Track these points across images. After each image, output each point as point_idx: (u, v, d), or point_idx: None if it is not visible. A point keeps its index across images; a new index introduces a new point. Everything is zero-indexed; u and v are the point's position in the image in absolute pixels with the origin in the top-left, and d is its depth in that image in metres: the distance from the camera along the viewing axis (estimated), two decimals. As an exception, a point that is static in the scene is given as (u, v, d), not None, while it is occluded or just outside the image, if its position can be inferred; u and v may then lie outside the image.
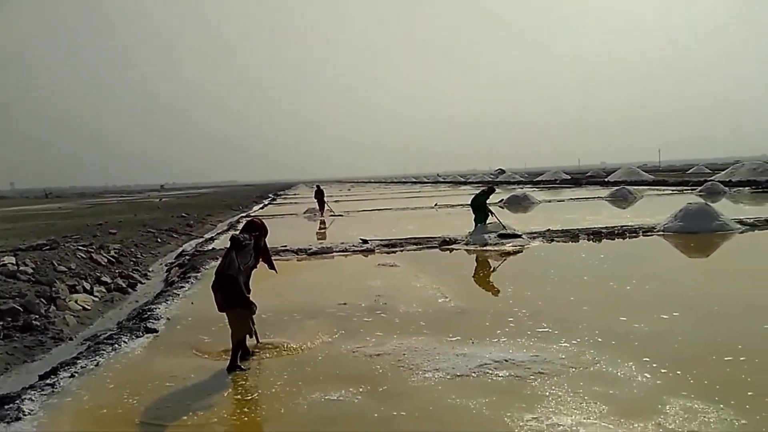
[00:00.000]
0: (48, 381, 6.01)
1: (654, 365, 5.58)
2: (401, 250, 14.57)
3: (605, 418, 4.52)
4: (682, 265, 12.17)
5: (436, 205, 31.58)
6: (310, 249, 14.95)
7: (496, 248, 14.12)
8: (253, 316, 6.35)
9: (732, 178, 40.77)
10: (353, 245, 15.28)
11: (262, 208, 43.01)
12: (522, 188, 44.57)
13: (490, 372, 5.65)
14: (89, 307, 9.97)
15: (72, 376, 6.18)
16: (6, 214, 42.09)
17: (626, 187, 33.01)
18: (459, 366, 5.85)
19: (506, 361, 5.90)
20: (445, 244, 15.04)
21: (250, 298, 6.19)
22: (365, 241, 15.54)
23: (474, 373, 5.66)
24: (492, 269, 12.35)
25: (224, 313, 6.22)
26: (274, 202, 51.34)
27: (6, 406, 5.35)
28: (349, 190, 74.25)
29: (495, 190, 17.86)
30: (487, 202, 15.98)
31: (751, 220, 16.14)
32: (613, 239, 14.89)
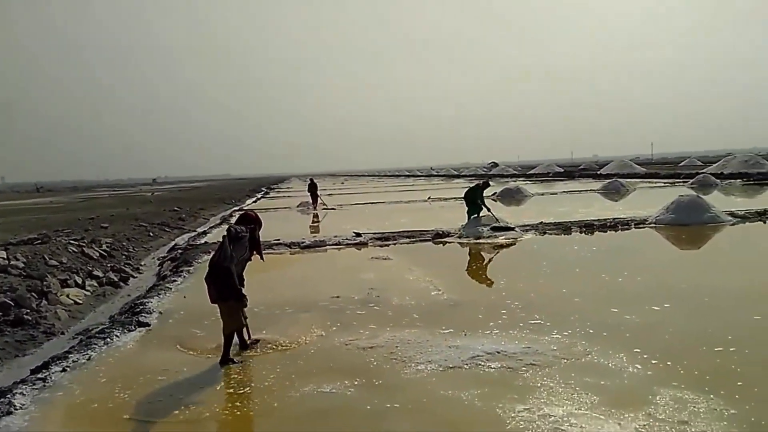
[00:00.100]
0: (39, 375, 5.99)
1: (645, 356, 5.62)
2: (394, 244, 14.57)
3: (596, 409, 4.55)
4: (673, 257, 12.23)
5: (429, 198, 31.59)
6: (303, 242, 14.94)
7: (489, 241, 14.15)
8: (245, 310, 6.34)
9: (724, 170, 40.97)
10: (346, 239, 15.27)
11: (255, 201, 42.91)
12: (515, 181, 44.64)
13: (483, 364, 5.67)
14: (81, 302, 9.93)
15: (64, 370, 6.16)
16: (-3, 208, 41.81)
17: (619, 179, 33.13)
18: (451, 358, 5.86)
19: (498, 352, 5.93)
20: (438, 237, 15.06)
21: (243, 291, 6.21)
22: (358, 235, 15.53)
23: (466, 365, 5.68)
24: (485, 262, 12.38)
25: (216, 305, 6.22)
26: (267, 196, 51.23)
27: (-3, 401, 5.33)
28: (343, 183, 74.18)
29: (490, 185, 17.88)
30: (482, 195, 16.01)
31: (743, 213, 16.24)
32: (606, 232, 14.95)
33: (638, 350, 5.78)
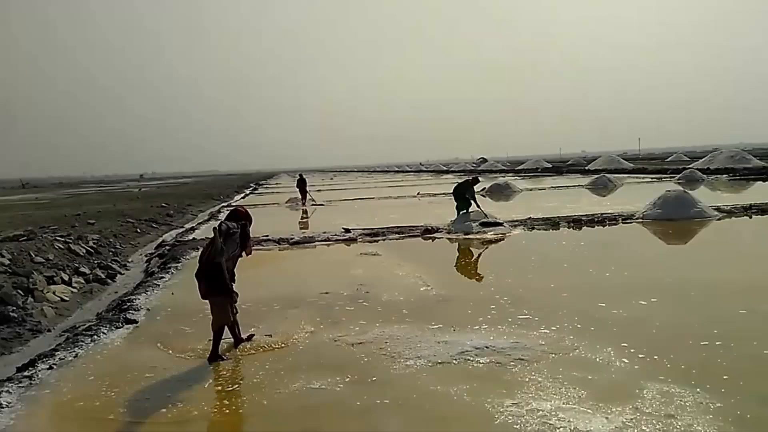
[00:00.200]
0: (26, 373, 5.94)
1: (632, 350, 5.66)
2: (383, 239, 14.58)
3: (584, 403, 4.58)
4: (660, 251, 12.33)
5: (418, 194, 31.62)
6: (292, 238, 14.90)
7: (478, 236, 14.19)
8: (236, 306, 6.32)
9: (710, 165, 41.36)
10: (335, 234, 15.26)
11: (243, 197, 42.74)
12: (504, 177, 44.77)
13: (471, 359, 5.69)
14: (67, 299, 9.85)
15: (50, 368, 6.11)
16: (-19, 204, 41.36)
17: (606, 175, 33.31)
18: (440, 353, 5.88)
19: (487, 348, 5.95)
20: (428, 232, 15.07)
21: (234, 287, 6.20)
22: (347, 230, 15.52)
23: (455, 360, 5.70)
24: (474, 257, 12.41)
25: (206, 301, 6.21)
26: (256, 192, 51.04)
27: (-17, 399, 5.27)
28: (332, 179, 74.08)
29: (479, 180, 17.91)
30: (473, 192, 16.05)
31: (729, 208, 16.38)
32: (593, 227, 15.04)
33: (625, 344, 5.82)
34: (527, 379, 5.12)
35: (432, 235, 14.82)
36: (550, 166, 65.53)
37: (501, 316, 7.12)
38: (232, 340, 6.52)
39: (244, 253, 6.63)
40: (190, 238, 16.78)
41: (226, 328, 6.31)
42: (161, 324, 7.76)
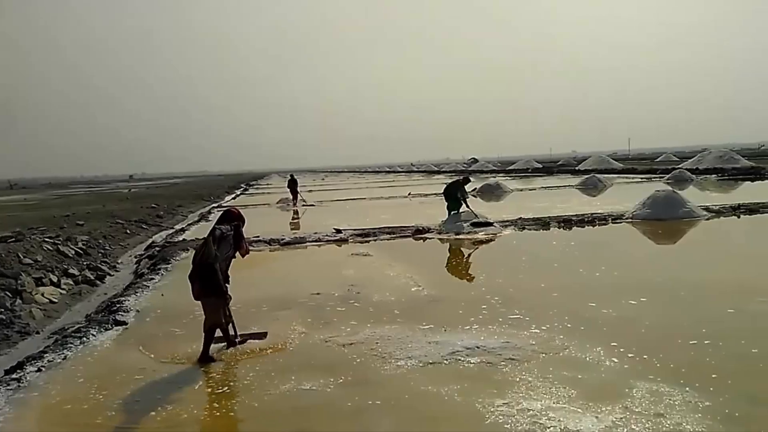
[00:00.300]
0: (14, 375, 5.90)
1: (621, 350, 5.69)
2: (375, 240, 14.57)
3: (574, 402, 4.60)
4: (649, 251, 12.40)
5: (409, 194, 31.64)
6: (283, 239, 14.88)
7: (468, 237, 14.21)
8: (230, 307, 6.31)
9: (699, 166, 41.66)
10: (327, 235, 15.24)
11: (234, 198, 42.61)
12: (495, 177, 44.89)
13: (462, 359, 5.70)
14: (56, 300, 9.78)
15: (39, 370, 6.07)
16: (-31, 206, 40.96)
17: (596, 175, 33.48)
18: (431, 354, 5.88)
19: (478, 348, 5.96)
20: (419, 233, 15.08)
21: (228, 288, 6.20)
22: (339, 231, 15.51)
23: (446, 360, 5.71)
24: (465, 258, 12.44)
25: (199, 301, 6.20)
26: (247, 192, 50.89)
27: (-30, 402, 5.23)
28: (323, 179, 73.98)
29: (470, 180, 17.95)
30: (465, 193, 16.08)
31: (717, 207, 16.51)
32: (583, 227, 15.10)
33: (615, 344, 5.85)
34: (518, 379, 5.14)
35: (423, 236, 14.83)
36: (541, 166, 65.78)
37: (492, 316, 7.14)
38: (224, 341, 6.49)
39: (239, 254, 6.61)
40: (180, 239, 16.71)
41: (218, 330, 6.30)
42: (151, 326, 7.72)
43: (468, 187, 17.11)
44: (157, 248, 15.02)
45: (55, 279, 10.73)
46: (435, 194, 26.33)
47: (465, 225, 14.96)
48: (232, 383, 5.60)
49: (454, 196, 15.86)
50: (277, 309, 8.06)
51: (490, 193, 29.04)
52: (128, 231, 19.64)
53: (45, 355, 6.53)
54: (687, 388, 4.74)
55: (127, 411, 5.00)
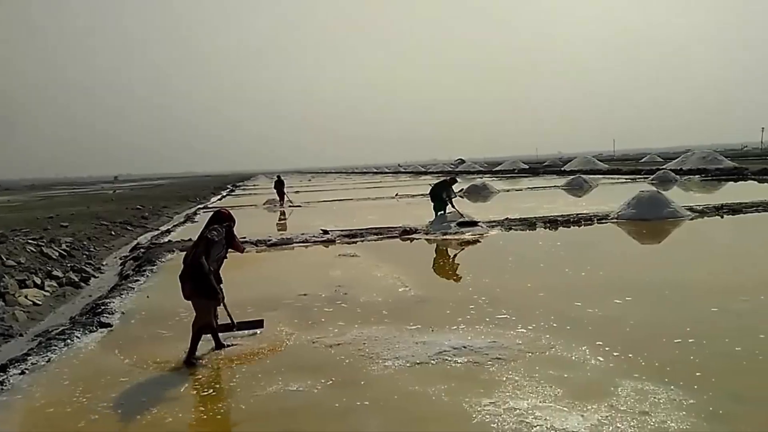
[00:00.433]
0: (-3, 378, 5.82)
1: (607, 349, 5.73)
2: (362, 240, 14.56)
3: (560, 401, 4.63)
4: (634, 251, 12.50)
5: (396, 195, 31.66)
6: (269, 240, 14.83)
7: (455, 237, 14.25)
8: (226, 304, 6.30)
9: (683, 166, 42.08)
10: (314, 236, 15.20)
11: (220, 199, 42.39)
12: (481, 178, 45.05)
13: (449, 359, 5.71)
14: (40, 302, 9.66)
15: (22, 373, 6.00)
16: (-50, 207, 40.40)
17: (582, 176, 33.70)
18: (418, 354, 5.89)
19: (465, 347, 5.98)
20: (406, 233, 15.09)
21: (222, 288, 6.21)
22: (326, 232, 15.48)
23: (433, 360, 5.72)
24: (452, 258, 12.47)
25: (190, 302, 6.18)
26: (233, 194, 50.65)
27: (-49, 406, 5.15)
28: (310, 180, 73.83)
29: (457, 181, 17.99)
30: (451, 193, 16.12)
31: (701, 207, 16.68)
32: (569, 227, 15.20)
33: (600, 343, 5.89)
34: (504, 379, 5.16)
35: (410, 236, 14.84)
36: (527, 167, 66.13)
37: (478, 316, 7.16)
38: (214, 344, 6.46)
39: (237, 251, 6.72)
40: (166, 240, 16.59)
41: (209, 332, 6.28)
42: (136, 328, 7.66)
43: (455, 188, 17.16)
44: (143, 250, 14.90)
45: (38, 281, 10.61)
46: (422, 195, 26.35)
47: (452, 225, 15.00)
48: (218, 385, 5.57)
49: (440, 196, 15.90)
50: (264, 310, 8.01)
51: (477, 193, 29.13)
52: (113, 232, 19.47)
53: (29, 357, 6.46)
54: (671, 387, 4.79)
55: (111, 414, 4.95)
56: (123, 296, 9.35)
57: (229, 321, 6.57)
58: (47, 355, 6.51)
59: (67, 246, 14.44)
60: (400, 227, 15.65)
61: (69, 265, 12.68)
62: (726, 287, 8.22)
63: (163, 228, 22.13)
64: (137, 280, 10.72)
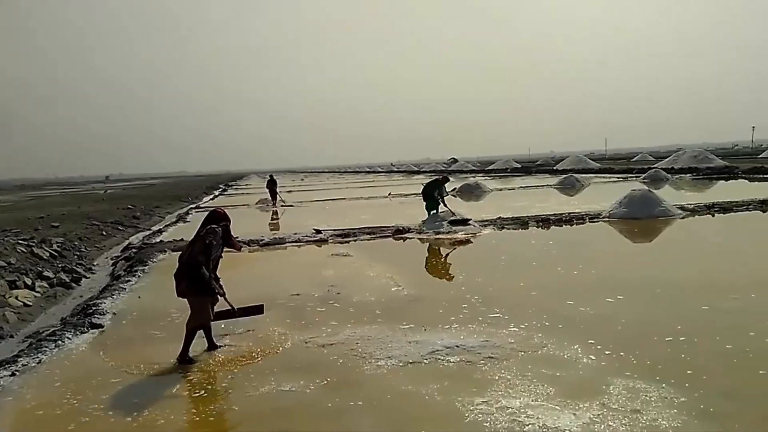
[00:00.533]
0: (-14, 381, 5.78)
1: (599, 347, 5.76)
2: (355, 240, 14.56)
3: (552, 400, 4.64)
4: (626, 250, 12.56)
5: (389, 194, 31.66)
6: (262, 240, 14.79)
7: (448, 236, 14.26)
8: (226, 297, 6.29)
9: (674, 165, 42.29)
10: (306, 235, 15.18)
11: (212, 199, 42.26)
12: (474, 177, 45.11)
13: (442, 358, 5.72)
14: (30, 303, 9.60)
15: (13, 374, 5.96)
16: (-61, 208, 40.06)
17: (574, 175, 33.81)
18: (411, 353, 5.89)
19: (457, 347, 5.99)
20: (399, 233, 15.10)
21: (221, 285, 6.23)
22: (318, 231, 15.46)
23: (426, 359, 5.72)
24: (444, 257, 12.47)
25: (185, 299, 6.16)
26: (225, 193, 50.50)
27: (-60, 409, 5.11)
28: (302, 180, 73.73)
29: (449, 180, 18.02)
30: (443, 192, 16.14)
31: (692, 206, 16.78)
32: (561, 226, 15.25)
33: (592, 341, 5.92)
34: (497, 377, 5.17)
35: (403, 236, 14.85)
36: (520, 166, 66.29)
37: (471, 315, 7.17)
38: (207, 344, 6.43)
39: (235, 250, 6.79)
40: (158, 240, 16.52)
41: (202, 332, 6.25)
42: (128, 328, 7.62)
43: (448, 187, 17.17)
44: (134, 250, 14.83)
45: (29, 282, 10.54)
46: (415, 194, 26.37)
47: (444, 224, 15.02)
48: (211, 386, 5.54)
49: (432, 195, 15.92)
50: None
51: (470, 192, 29.18)
52: (104, 233, 19.37)
53: (19, 359, 6.41)
54: (663, 385, 4.81)
55: (102, 416, 4.91)
56: (114, 297, 9.30)
57: (230, 308, 6.53)
58: (38, 357, 6.47)
59: (58, 246, 14.36)
60: (392, 226, 15.65)
61: (60, 265, 12.61)
62: (717, 285, 8.27)
63: (155, 228, 22.04)
64: (129, 281, 10.67)
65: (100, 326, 7.65)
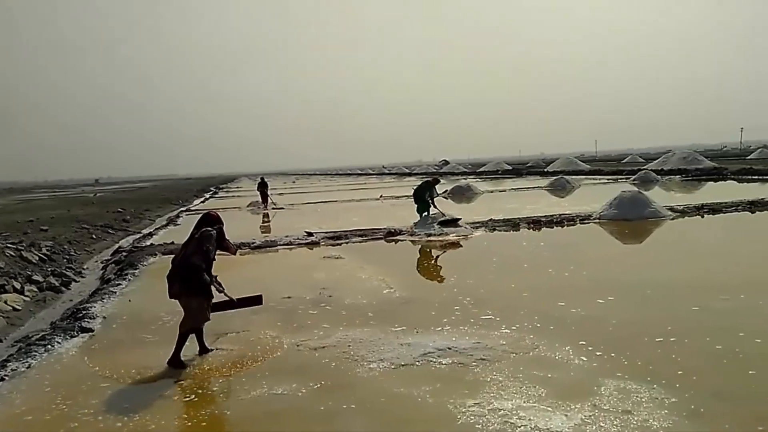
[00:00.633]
0: (-25, 386, 5.72)
1: (590, 348, 5.78)
2: (346, 242, 14.54)
3: (544, 401, 4.65)
4: (616, 251, 12.62)
5: (381, 196, 31.66)
6: (253, 243, 14.74)
7: (440, 238, 14.28)
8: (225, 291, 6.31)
9: (664, 166, 42.57)
10: (298, 238, 15.14)
11: (203, 201, 42.06)
12: (466, 179, 45.20)
13: (434, 360, 5.72)
14: (20, 308, 9.52)
15: (2, 379, 5.90)
16: (-73, 211, 39.67)
17: (564, 176, 33.96)
18: (403, 355, 5.89)
19: (449, 349, 5.99)
20: (390, 235, 15.10)
21: (221, 286, 6.25)
22: (310, 234, 15.42)
23: (418, 361, 5.72)
24: (436, 259, 12.49)
25: (177, 300, 6.12)
26: (216, 196, 50.31)
27: (-72, 415, 5.05)
28: (294, 182, 73.60)
29: (440, 182, 18.03)
30: (434, 193, 16.17)
31: (682, 207, 16.88)
32: (552, 227, 15.30)
33: (583, 342, 5.94)
34: (489, 379, 5.18)
35: (395, 238, 14.85)
36: (511, 168, 66.51)
37: (463, 317, 7.18)
38: (198, 347, 6.40)
39: (229, 254, 6.75)
40: (148, 243, 16.41)
41: (193, 335, 6.22)
42: (118, 332, 7.57)
43: (439, 188, 17.19)
44: (124, 253, 14.74)
45: (18, 286, 10.45)
46: (406, 196, 26.39)
47: (436, 226, 15.04)
48: (202, 390, 5.51)
49: (423, 198, 15.94)
50: (248, 313, 7.94)
51: (461, 194, 29.26)
52: (94, 236, 19.26)
53: (8, 363, 6.35)
54: (654, 385, 4.83)
55: (92, 422, 4.87)
56: (104, 300, 9.23)
57: (228, 299, 6.50)
58: (27, 361, 6.41)
59: (47, 250, 14.26)
60: (384, 229, 15.65)
61: (49, 269, 12.52)
62: (707, 286, 8.33)
63: (146, 231, 21.90)
64: (119, 284, 10.59)
65: (91, 330, 7.59)
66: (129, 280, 11.07)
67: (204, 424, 4.83)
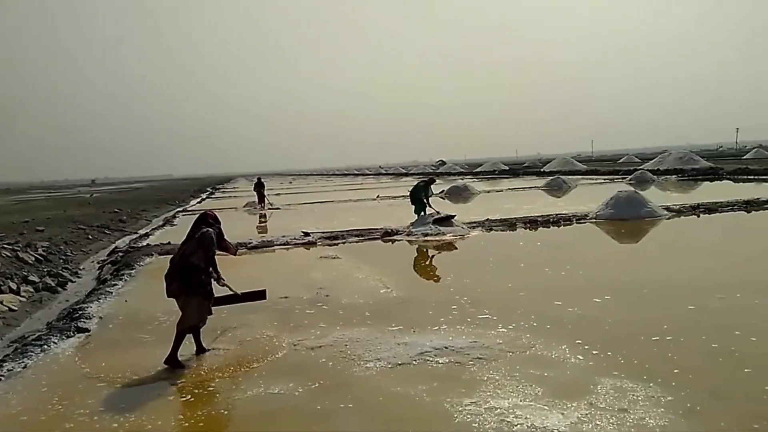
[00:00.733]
0: (-30, 386, 5.70)
1: (586, 347, 5.79)
2: (343, 242, 14.54)
3: (540, 400, 4.66)
4: (613, 250, 12.64)
5: (378, 196, 31.67)
6: (250, 243, 14.72)
7: (437, 238, 14.29)
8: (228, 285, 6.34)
9: (660, 166, 42.70)
10: (295, 238, 15.14)
11: (200, 202, 42.01)
12: (462, 179, 45.23)
13: (431, 359, 5.73)
14: (16, 308, 9.50)
15: (-2, 379, 5.89)
16: None
17: (561, 176, 34.03)
18: (400, 355, 5.90)
19: (446, 348, 6.00)
20: (387, 235, 15.10)
21: (224, 281, 6.31)
22: (307, 234, 15.42)
23: (415, 361, 5.72)
24: (433, 259, 12.49)
25: (175, 299, 6.12)
26: (213, 196, 50.24)
27: (-77, 415, 5.03)
28: (291, 183, 73.55)
29: (435, 181, 18.05)
30: (430, 193, 16.18)
31: (678, 207, 16.94)
32: (549, 227, 15.33)
33: (580, 341, 5.95)
34: (485, 378, 5.18)
35: (392, 238, 14.86)
36: (507, 168, 66.63)
37: (460, 316, 7.19)
38: (195, 347, 6.39)
39: (229, 254, 6.80)
40: (144, 244, 16.39)
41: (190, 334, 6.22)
42: (114, 332, 7.56)
43: (435, 188, 17.20)
44: (121, 254, 14.71)
45: (14, 286, 10.43)
46: (403, 197, 26.40)
47: (432, 226, 15.05)
48: (199, 390, 5.50)
49: (420, 198, 15.96)
50: (245, 313, 7.95)
51: (458, 194, 29.30)
52: (90, 236, 19.22)
53: (4, 363, 6.33)
54: (650, 384, 4.85)
55: (88, 422, 4.85)
56: (101, 301, 9.21)
57: (233, 293, 6.50)
58: (23, 361, 6.40)
59: (43, 250, 14.23)
60: (381, 229, 15.65)
61: (45, 269, 12.49)
62: (703, 285, 8.36)
63: (142, 231, 21.89)
64: (115, 285, 10.57)
65: (87, 330, 7.58)
66: (125, 280, 11.05)
67: (201, 423, 4.82)
